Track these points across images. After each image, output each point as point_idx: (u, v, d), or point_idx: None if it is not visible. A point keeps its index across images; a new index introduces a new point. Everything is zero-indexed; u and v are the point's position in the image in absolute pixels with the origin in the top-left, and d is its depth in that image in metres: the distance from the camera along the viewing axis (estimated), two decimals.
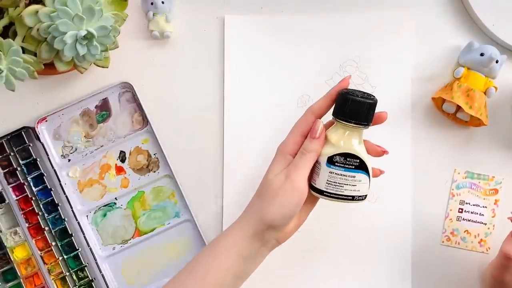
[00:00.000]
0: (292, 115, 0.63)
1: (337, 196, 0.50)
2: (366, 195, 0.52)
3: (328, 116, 0.52)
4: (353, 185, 0.50)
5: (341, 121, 0.50)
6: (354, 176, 0.50)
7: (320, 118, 0.52)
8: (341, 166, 0.50)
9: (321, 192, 0.51)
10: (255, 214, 0.51)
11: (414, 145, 0.63)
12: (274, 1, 0.64)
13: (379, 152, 0.53)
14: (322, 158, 0.50)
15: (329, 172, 0.50)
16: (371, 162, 0.51)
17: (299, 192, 0.50)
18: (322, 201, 0.63)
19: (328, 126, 0.52)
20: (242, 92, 0.64)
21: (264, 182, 0.52)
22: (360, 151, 0.50)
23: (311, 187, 0.51)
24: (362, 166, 0.50)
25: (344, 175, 0.50)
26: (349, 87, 0.52)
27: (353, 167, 0.50)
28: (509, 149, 0.63)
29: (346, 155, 0.50)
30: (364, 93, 0.51)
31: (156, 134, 0.63)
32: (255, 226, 0.51)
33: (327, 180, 0.50)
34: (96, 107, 0.64)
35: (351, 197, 0.51)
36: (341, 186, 0.50)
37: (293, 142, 0.52)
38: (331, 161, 0.50)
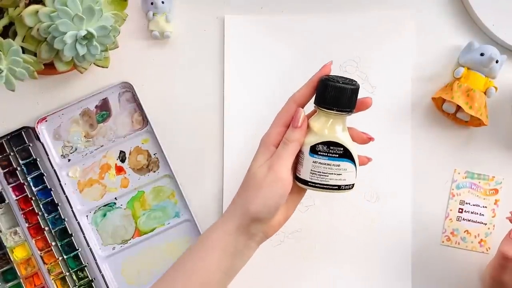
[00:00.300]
0: None
1: (322, 186, 0.49)
2: (353, 184, 0.50)
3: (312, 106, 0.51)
4: (338, 174, 0.49)
5: (323, 109, 0.49)
6: (338, 165, 0.49)
7: (302, 107, 0.50)
8: (325, 155, 0.48)
9: (305, 183, 0.49)
10: (239, 208, 0.50)
11: (414, 145, 0.63)
12: (274, 1, 0.64)
13: (364, 139, 0.52)
14: (305, 148, 0.49)
15: (313, 161, 0.49)
16: (356, 150, 0.49)
17: (283, 183, 0.48)
18: (322, 200, 0.64)
19: (311, 115, 0.51)
20: (242, 92, 0.64)
21: (248, 174, 0.51)
22: (343, 139, 0.49)
23: (296, 177, 0.50)
24: (346, 154, 0.49)
25: (328, 164, 0.48)
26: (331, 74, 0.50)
27: (337, 155, 0.48)
28: (509, 149, 0.63)
29: (330, 144, 0.48)
30: (346, 78, 0.49)
31: (156, 134, 0.63)
32: (239, 219, 0.50)
33: (311, 170, 0.49)
34: (96, 107, 0.64)
35: (337, 187, 0.49)
36: (325, 176, 0.49)
37: (276, 132, 0.50)
38: (314, 150, 0.48)
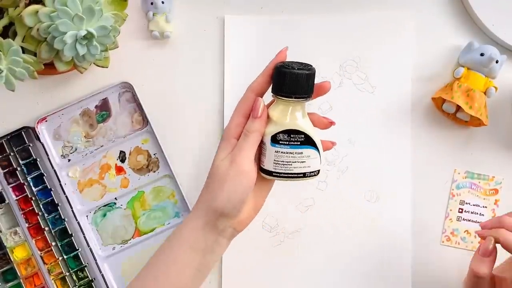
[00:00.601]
0: None
1: (286, 175, 0.48)
2: (318, 170, 0.49)
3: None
4: (302, 162, 0.48)
5: (280, 97, 0.47)
6: (301, 153, 0.48)
7: (261, 96, 0.49)
8: (286, 144, 0.47)
9: (270, 173, 0.48)
10: (204, 204, 0.49)
11: (414, 145, 0.63)
12: (274, 1, 0.64)
13: (326, 123, 0.50)
14: (266, 138, 0.48)
15: (275, 151, 0.48)
16: (319, 135, 0.48)
17: (246, 175, 0.47)
18: (322, 200, 0.63)
19: (271, 104, 0.50)
20: (242, 92, 0.64)
21: (211, 169, 0.50)
22: (304, 125, 0.47)
23: (260, 169, 0.49)
24: (308, 141, 0.48)
25: (290, 153, 0.47)
26: (287, 60, 0.49)
27: (299, 143, 0.47)
28: (509, 149, 0.63)
29: (290, 132, 0.47)
30: (301, 63, 0.48)
31: (156, 134, 0.63)
32: (206, 216, 0.49)
33: (274, 160, 0.48)
34: (96, 107, 0.64)
35: (302, 174, 0.48)
36: (289, 165, 0.48)
37: (236, 124, 0.49)
38: (275, 139, 0.47)
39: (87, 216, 0.64)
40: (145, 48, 0.64)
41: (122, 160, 0.64)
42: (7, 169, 0.62)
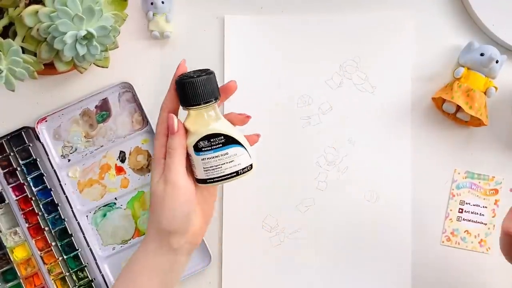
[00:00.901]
0: (292, 115, 0.64)
1: (220, 178, 0.49)
2: (251, 165, 0.50)
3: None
4: (231, 161, 0.49)
5: (189, 108, 0.49)
6: (226, 153, 0.49)
7: (176, 111, 0.51)
8: (209, 149, 0.49)
9: (204, 182, 0.50)
10: (153, 228, 0.51)
11: (414, 145, 0.63)
12: (274, 1, 0.64)
13: (243, 119, 0.52)
14: (190, 150, 0.50)
15: (201, 159, 0.49)
16: (239, 132, 0.50)
17: (182, 191, 0.49)
18: (323, 200, 0.63)
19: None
20: (242, 92, 0.64)
21: (150, 194, 0.51)
22: (220, 127, 0.49)
23: (196, 180, 0.51)
24: (229, 141, 0.49)
25: (216, 156, 0.49)
26: (189, 71, 0.51)
27: (221, 145, 0.49)
28: (509, 149, 0.63)
29: (209, 137, 0.49)
30: (200, 70, 0.50)
31: None
32: (157, 238, 0.50)
33: (203, 167, 0.49)
34: (96, 107, 0.64)
35: (235, 173, 0.50)
36: (219, 168, 0.49)
37: (161, 145, 0.51)
38: (197, 148, 0.49)
39: (87, 216, 0.64)
40: (145, 48, 0.64)
41: (122, 160, 0.64)
42: (7, 169, 0.62)
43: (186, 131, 0.50)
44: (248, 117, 0.53)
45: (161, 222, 0.50)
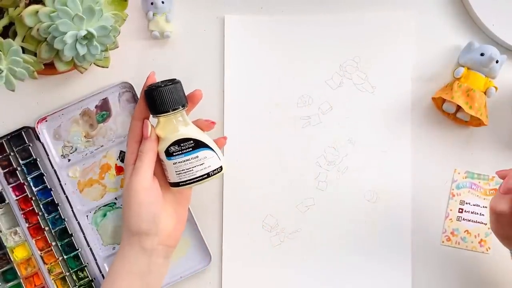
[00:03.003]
0: (292, 115, 0.64)
1: (192, 180, 0.52)
2: (221, 167, 0.53)
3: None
4: (201, 164, 0.52)
5: (158, 115, 0.52)
6: (196, 156, 0.52)
7: (147, 119, 0.54)
8: (179, 154, 0.52)
9: (177, 185, 0.53)
10: (125, 230, 0.53)
11: (414, 145, 0.63)
12: (274, 1, 0.64)
13: (209, 125, 0.55)
14: (162, 155, 0.53)
15: (173, 163, 0.52)
16: (207, 136, 0.53)
17: (146, 192, 0.52)
18: (323, 200, 0.63)
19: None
20: (242, 92, 0.64)
21: (122, 199, 0.54)
22: (188, 132, 0.52)
23: (170, 184, 0.54)
24: (199, 144, 0.52)
25: (187, 160, 0.52)
26: (159, 81, 0.53)
27: (191, 148, 0.52)
28: (509, 149, 0.63)
29: (178, 142, 0.51)
30: (167, 80, 0.53)
31: None
32: (130, 241, 0.53)
33: (175, 171, 0.52)
34: (96, 107, 0.64)
35: (206, 175, 0.52)
36: (190, 171, 0.52)
37: (131, 152, 0.54)
38: (168, 153, 0.52)
39: (87, 216, 0.64)
40: (145, 48, 0.64)
41: (122, 160, 0.64)
42: (7, 169, 0.62)
43: (158, 138, 0.53)
44: (213, 122, 0.55)
45: (130, 224, 0.52)
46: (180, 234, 0.56)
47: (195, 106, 0.56)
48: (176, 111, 0.51)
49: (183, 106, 0.52)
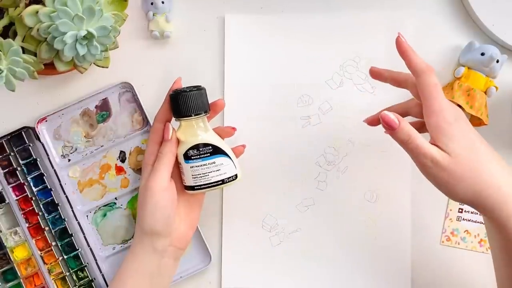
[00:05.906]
0: (292, 115, 0.64)
1: (207, 185, 0.53)
2: (236, 175, 0.55)
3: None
4: (217, 170, 0.53)
5: (181, 119, 0.54)
6: (213, 162, 0.53)
7: (169, 122, 0.55)
8: (198, 158, 0.53)
9: (192, 188, 0.54)
10: (138, 230, 0.55)
11: None
12: (274, 1, 0.64)
13: (229, 131, 0.57)
14: (180, 158, 0.54)
15: (190, 167, 0.53)
16: (226, 144, 0.55)
17: (162, 194, 0.53)
18: (323, 200, 0.63)
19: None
20: (242, 92, 0.64)
21: (137, 199, 0.56)
22: (208, 138, 0.53)
23: (185, 187, 0.55)
24: (217, 151, 0.53)
25: (204, 165, 0.53)
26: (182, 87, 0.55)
27: (209, 154, 0.53)
28: (509, 149, 0.63)
29: (198, 146, 0.53)
30: (192, 86, 0.55)
31: None
32: (142, 240, 0.54)
33: (192, 175, 0.53)
34: (96, 107, 0.64)
35: (220, 181, 0.54)
36: (206, 176, 0.53)
37: (150, 153, 0.55)
38: (187, 157, 0.53)
39: (87, 216, 0.64)
40: (145, 48, 0.64)
41: (122, 160, 0.64)
42: (7, 169, 0.62)
43: (178, 141, 0.54)
44: (234, 128, 0.57)
45: (143, 224, 0.53)
46: (190, 237, 0.57)
47: (217, 115, 0.57)
48: (198, 116, 0.53)
49: (205, 112, 0.54)
